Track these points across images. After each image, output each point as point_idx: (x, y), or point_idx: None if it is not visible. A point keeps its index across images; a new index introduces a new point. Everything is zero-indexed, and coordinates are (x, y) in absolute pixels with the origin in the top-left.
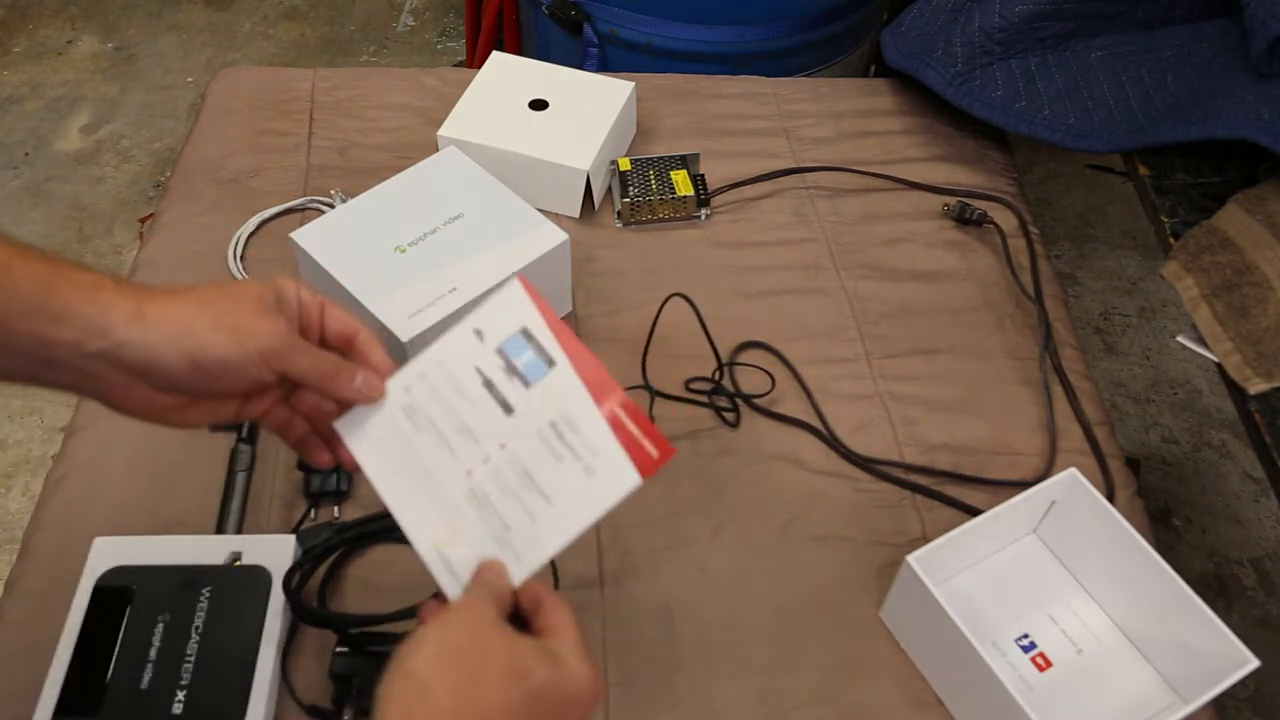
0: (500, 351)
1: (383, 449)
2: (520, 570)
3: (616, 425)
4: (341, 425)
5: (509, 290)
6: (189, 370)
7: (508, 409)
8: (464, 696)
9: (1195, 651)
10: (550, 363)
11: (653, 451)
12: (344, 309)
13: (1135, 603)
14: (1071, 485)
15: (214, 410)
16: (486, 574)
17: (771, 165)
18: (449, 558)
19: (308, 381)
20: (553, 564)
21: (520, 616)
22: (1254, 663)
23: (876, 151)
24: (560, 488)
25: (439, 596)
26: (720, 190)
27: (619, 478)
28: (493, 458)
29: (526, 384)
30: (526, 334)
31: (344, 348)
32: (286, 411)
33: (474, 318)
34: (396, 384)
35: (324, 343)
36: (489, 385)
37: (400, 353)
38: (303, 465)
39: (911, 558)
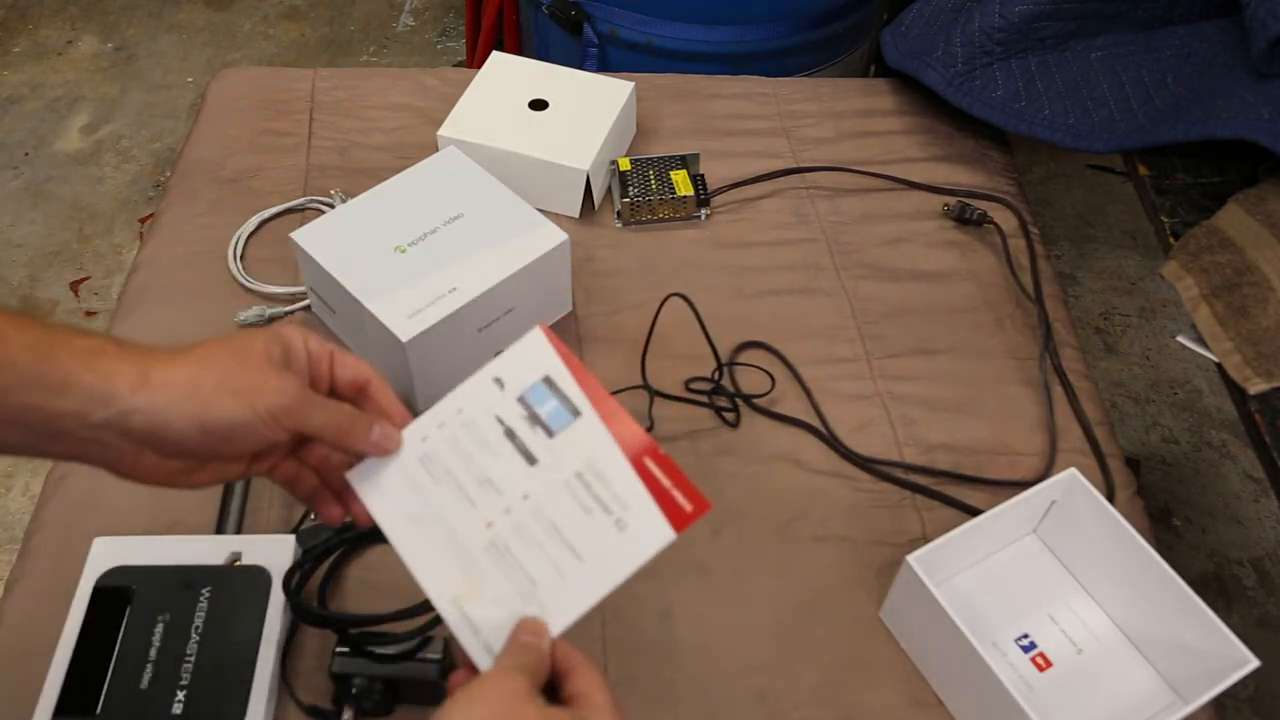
0: (522, 400)
1: (397, 501)
2: (550, 628)
3: (647, 477)
4: (354, 476)
5: (530, 339)
6: (198, 435)
7: (531, 459)
8: None
9: (1195, 651)
10: (575, 412)
11: (686, 505)
12: (354, 356)
13: (1135, 603)
14: (1071, 485)
15: (221, 471)
16: (523, 634)
17: (771, 165)
18: (471, 615)
19: (322, 437)
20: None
21: (551, 681)
22: (1254, 663)
23: (876, 151)
24: (589, 542)
25: (469, 664)
26: (720, 190)
27: (651, 532)
28: (515, 509)
29: (550, 433)
30: (549, 382)
31: (355, 396)
32: (295, 465)
33: (494, 366)
34: (413, 433)
35: (334, 392)
36: (510, 434)
37: (400, 353)
38: None
39: (911, 558)
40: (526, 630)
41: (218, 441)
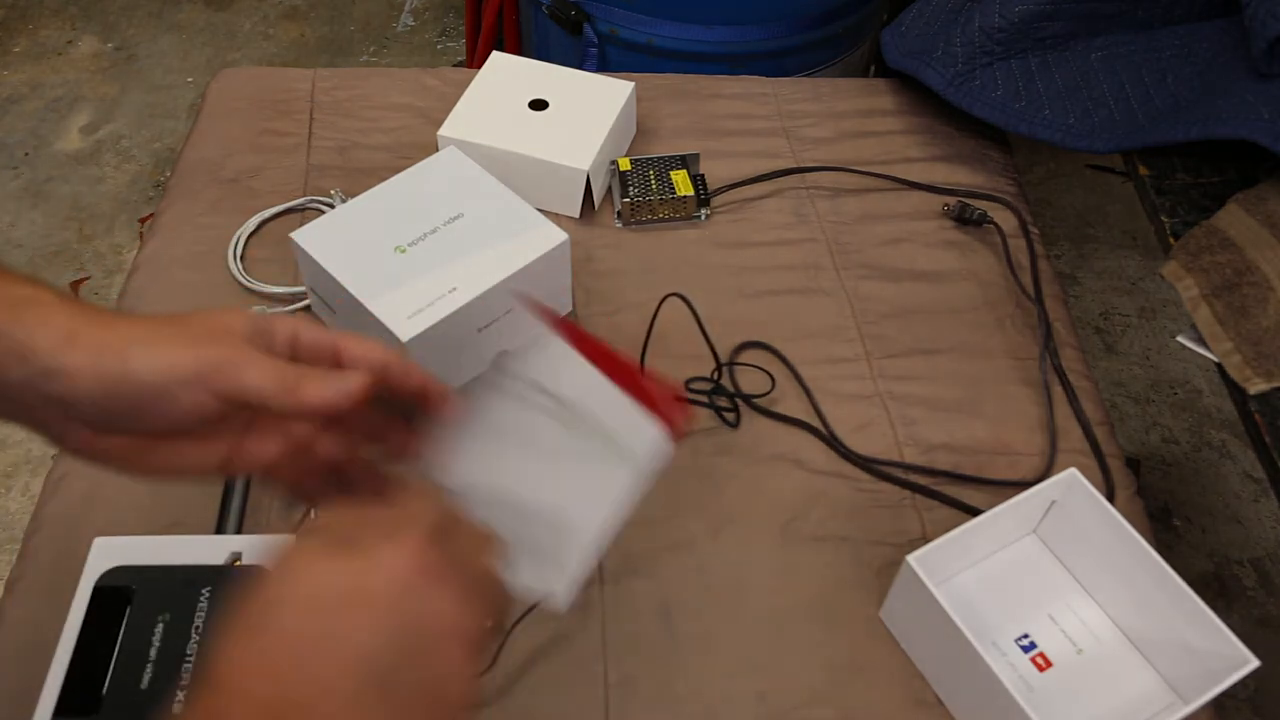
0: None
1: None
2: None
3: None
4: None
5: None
6: (104, 398)
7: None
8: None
9: (1195, 651)
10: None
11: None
12: (366, 341)
13: (1135, 603)
14: (1071, 485)
15: (185, 452)
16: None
17: (771, 165)
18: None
19: (265, 398)
20: None
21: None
22: (1254, 663)
23: (876, 151)
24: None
25: None
26: (720, 190)
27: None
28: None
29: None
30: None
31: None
32: (292, 464)
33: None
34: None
35: None
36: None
37: (401, 353)
38: None
39: (911, 558)
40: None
41: (128, 407)
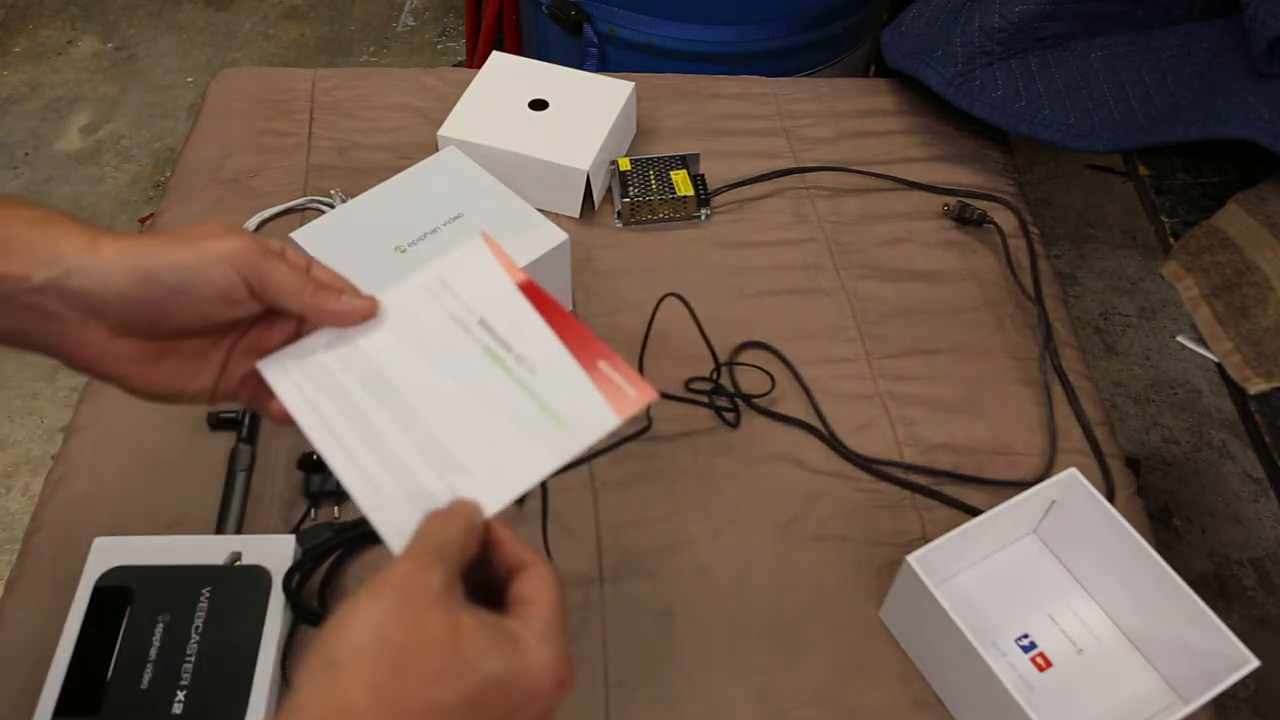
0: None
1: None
2: (483, 508)
3: (597, 377)
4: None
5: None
6: (141, 287)
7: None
8: (384, 698)
9: (1195, 651)
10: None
11: (629, 391)
12: (330, 268)
13: (1135, 603)
14: (1071, 485)
15: (184, 368)
16: (455, 506)
17: (771, 165)
18: (381, 487)
19: (283, 298)
20: (551, 559)
21: (494, 574)
22: (1254, 663)
23: (876, 151)
24: (527, 427)
25: None
26: (720, 190)
27: (594, 418)
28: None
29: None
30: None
31: None
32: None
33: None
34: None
35: None
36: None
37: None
38: (303, 465)
39: (911, 558)
40: (450, 508)
41: (165, 295)
